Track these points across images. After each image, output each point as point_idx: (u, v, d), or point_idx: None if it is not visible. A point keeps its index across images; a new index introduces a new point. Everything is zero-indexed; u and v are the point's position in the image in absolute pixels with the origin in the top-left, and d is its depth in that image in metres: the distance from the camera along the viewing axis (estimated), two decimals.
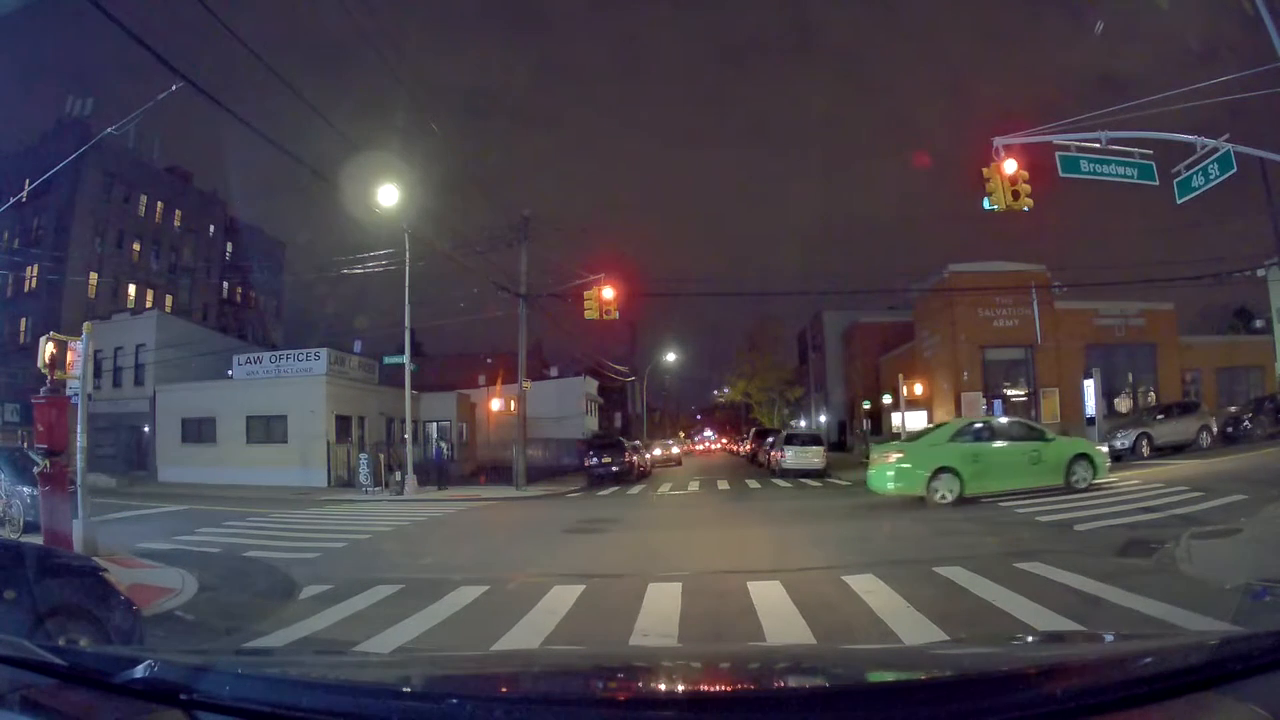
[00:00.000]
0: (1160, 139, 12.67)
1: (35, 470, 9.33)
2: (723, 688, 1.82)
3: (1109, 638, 2.68)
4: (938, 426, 15.98)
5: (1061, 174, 12.75)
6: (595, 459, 27.16)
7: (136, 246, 42.00)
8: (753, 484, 23.11)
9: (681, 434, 79.49)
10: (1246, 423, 21.63)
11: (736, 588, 6.86)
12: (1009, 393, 27.97)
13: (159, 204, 43.72)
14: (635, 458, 28.82)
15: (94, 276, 38.97)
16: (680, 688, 1.81)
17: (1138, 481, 14.47)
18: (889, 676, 1.74)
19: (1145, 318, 28.62)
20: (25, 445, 16.90)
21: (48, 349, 9.75)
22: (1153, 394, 27.50)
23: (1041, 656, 1.93)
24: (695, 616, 5.99)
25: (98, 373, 25.61)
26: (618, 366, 45.98)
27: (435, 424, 34.14)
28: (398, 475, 22.45)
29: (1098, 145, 12.62)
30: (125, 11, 7.88)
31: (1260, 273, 23.24)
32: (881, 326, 39.04)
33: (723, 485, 23.41)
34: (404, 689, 1.70)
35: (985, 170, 12.62)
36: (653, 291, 44.12)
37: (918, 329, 32.18)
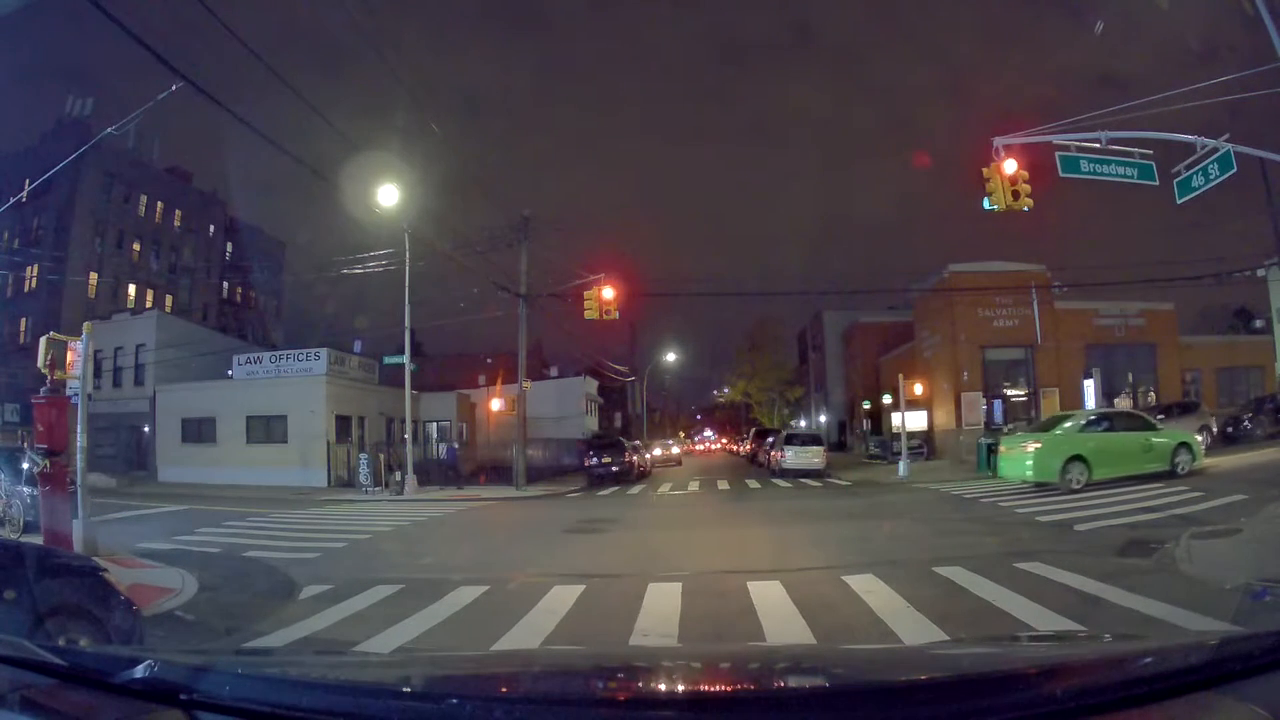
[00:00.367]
0: (1160, 139, 12.65)
1: (35, 470, 9.33)
2: (723, 688, 1.81)
3: (1109, 638, 2.68)
4: (1064, 417, 16.43)
5: (1061, 174, 12.74)
6: (595, 459, 27.13)
7: (136, 246, 42.02)
8: (753, 484, 23.10)
9: (681, 434, 79.47)
10: (1246, 423, 21.66)
11: (736, 588, 6.86)
12: (1009, 393, 27.91)
13: (159, 204, 43.74)
14: (635, 458, 28.78)
15: (94, 276, 38.99)
16: (680, 688, 1.81)
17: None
18: (889, 676, 1.74)
19: (1145, 318, 28.57)
20: (25, 445, 16.89)
21: (48, 349, 9.75)
22: (1153, 394, 27.43)
23: (1041, 656, 1.93)
24: (695, 617, 6.00)
25: (98, 373, 25.63)
26: (618, 366, 45.98)
27: (435, 424, 34.17)
28: (398, 475, 22.44)
29: (1098, 145, 12.60)
30: (125, 11, 7.89)
31: (1260, 273, 23.20)
32: (881, 326, 38.97)
33: (722, 485, 23.41)
34: (404, 689, 1.70)
35: (985, 170, 12.61)
36: (653, 291, 44.13)
37: (918, 329, 32.14)
